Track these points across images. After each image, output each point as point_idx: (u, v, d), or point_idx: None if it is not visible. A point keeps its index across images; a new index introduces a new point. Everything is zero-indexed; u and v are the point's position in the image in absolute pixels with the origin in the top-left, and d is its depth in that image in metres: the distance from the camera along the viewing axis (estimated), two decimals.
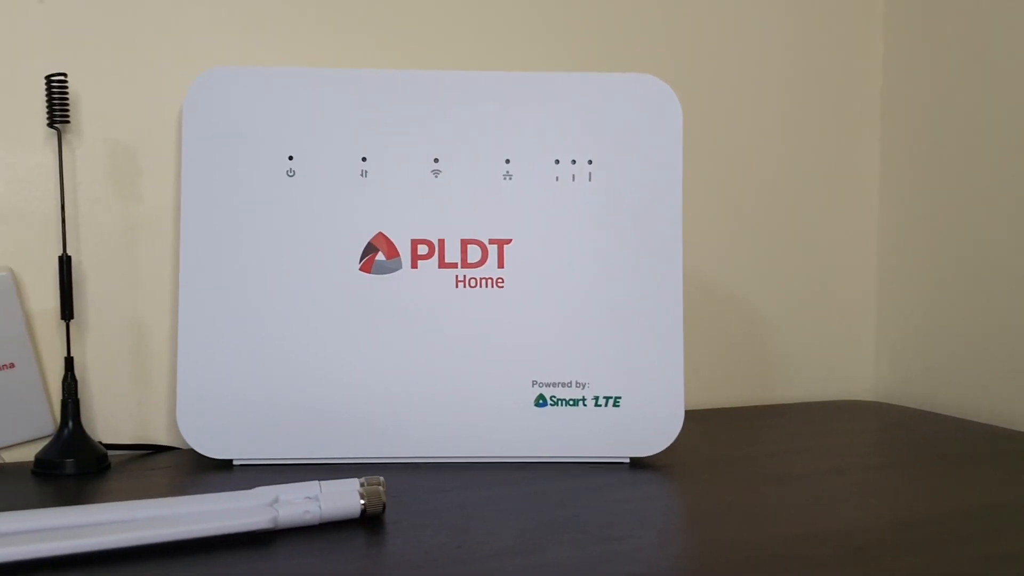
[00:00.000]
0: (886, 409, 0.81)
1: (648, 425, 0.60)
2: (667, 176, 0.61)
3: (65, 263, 0.60)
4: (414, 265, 0.60)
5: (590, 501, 0.52)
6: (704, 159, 0.79)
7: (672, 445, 0.60)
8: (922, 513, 0.50)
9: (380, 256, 0.60)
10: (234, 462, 0.60)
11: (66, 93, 0.59)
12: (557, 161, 0.61)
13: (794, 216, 0.84)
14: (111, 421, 0.65)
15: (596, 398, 0.60)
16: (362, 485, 0.47)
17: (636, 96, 0.62)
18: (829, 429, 0.73)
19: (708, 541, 0.47)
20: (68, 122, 0.60)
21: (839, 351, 0.87)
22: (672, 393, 0.60)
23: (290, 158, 0.60)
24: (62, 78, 0.59)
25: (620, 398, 0.60)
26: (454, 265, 0.60)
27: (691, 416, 0.61)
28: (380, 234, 0.60)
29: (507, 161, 0.61)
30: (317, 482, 0.47)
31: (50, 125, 0.60)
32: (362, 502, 0.47)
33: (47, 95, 0.59)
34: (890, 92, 0.85)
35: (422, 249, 0.60)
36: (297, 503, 0.46)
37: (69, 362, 0.60)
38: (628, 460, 0.60)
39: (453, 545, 0.44)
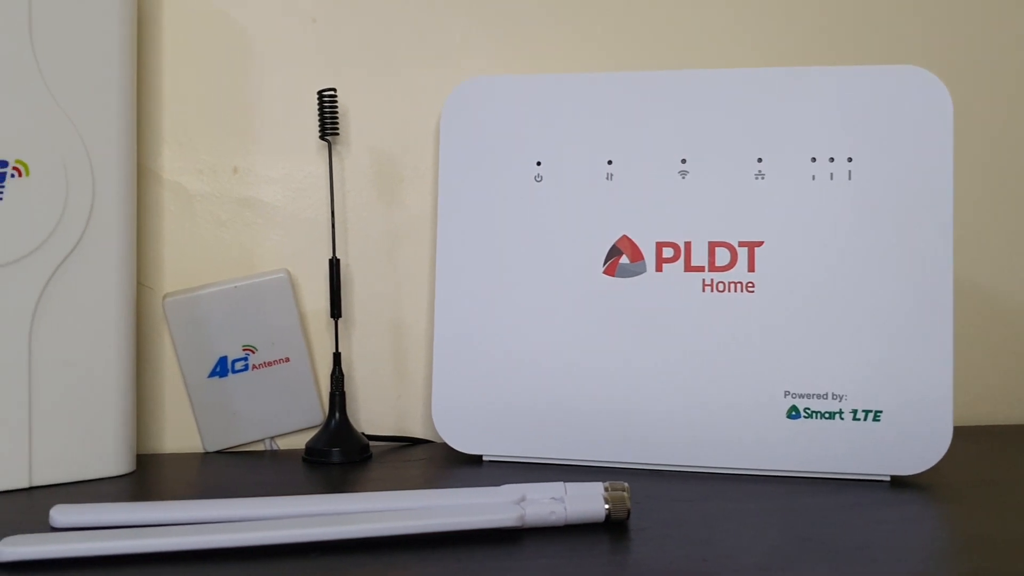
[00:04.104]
0: None
1: (912, 442, 0.56)
2: (936, 175, 0.57)
3: (335, 266, 0.64)
4: (659, 268, 0.60)
5: (845, 520, 0.49)
6: (977, 157, 0.73)
7: (938, 464, 0.56)
8: None
9: (624, 259, 0.60)
10: (483, 458, 0.62)
11: (336, 107, 0.64)
12: (813, 159, 0.58)
13: None
14: (372, 413, 0.69)
15: (854, 411, 0.57)
16: (606, 490, 0.47)
17: (901, 89, 0.58)
18: None
19: (978, 571, 0.43)
20: (338, 134, 0.64)
21: None
22: (939, 408, 0.56)
23: (538, 164, 0.61)
24: (332, 92, 0.64)
25: (881, 412, 0.57)
26: (701, 268, 0.59)
27: (960, 433, 0.57)
28: (624, 237, 0.60)
29: (759, 160, 0.59)
30: (563, 483, 0.48)
31: (322, 137, 0.64)
32: (607, 507, 0.47)
33: (319, 109, 0.64)
34: None
35: (667, 252, 0.60)
36: (543, 503, 0.47)
37: (337, 357, 0.64)
38: (888, 478, 0.57)
39: (699, 557, 0.43)
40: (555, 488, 0.48)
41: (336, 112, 0.64)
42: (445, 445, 0.62)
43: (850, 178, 0.58)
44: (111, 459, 0.57)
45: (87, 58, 0.56)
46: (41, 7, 0.54)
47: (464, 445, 0.61)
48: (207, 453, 0.65)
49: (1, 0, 0.53)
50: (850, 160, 0.58)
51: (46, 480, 0.55)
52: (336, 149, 0.67)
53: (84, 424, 0.56)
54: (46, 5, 0.54)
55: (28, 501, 0.52)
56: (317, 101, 0.64)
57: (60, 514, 0.46)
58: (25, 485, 0.54)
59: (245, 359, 0.64)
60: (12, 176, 0.53)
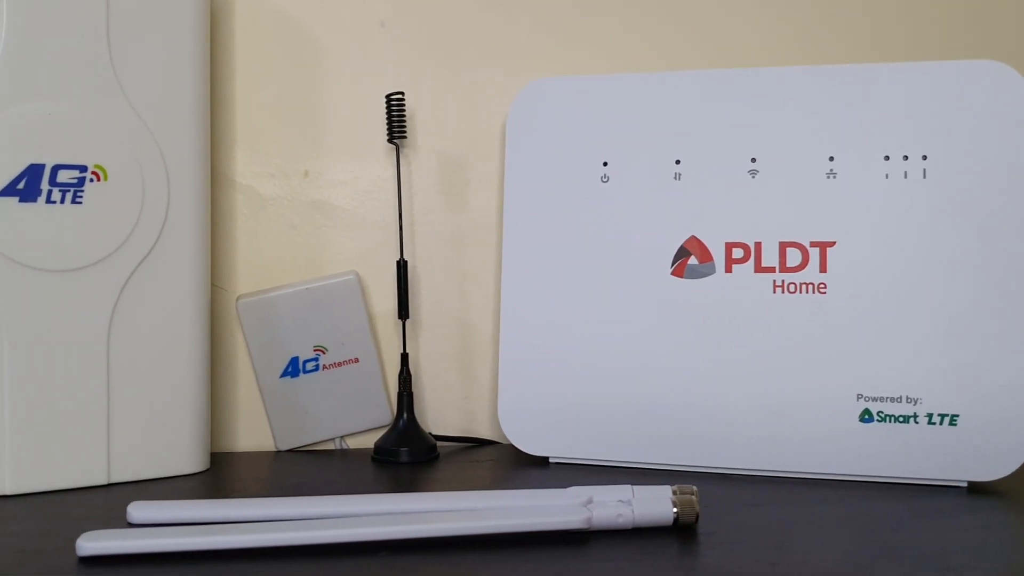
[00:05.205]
0: None
1: (990, 446, 0.54)
2: (1015, 172, 0.55)
3: (402, 267, 0.65)
4: (728, 269, 0.59)
5: (921, 526, 0.48)
6: None
7: (1018, 470, 0.54)
8: None
9: (693, 260, 0.59)
10: (550, 459, 0.61)
11: (404, 110, 0.64)
12: (887, 157, 0.57)
13: None
14: (440, 414, 0.69)
15: (930, 415, 0.55)
16: (675, 493, 0.47)
17: (978, 84, 0.56)
18: None
19: None
20: (405, 137, 0.65)
21: None
22: (1018, 411, 0.54)
23: (605, 164, 0.61)
24: (400, 96, 0.64)
25: (957, 416, 0.55)
26: (772, 269, 0.58)
27: None
28: (693, 237, 0.60)
29: (831, 159, 0.58)
30: (630, 486, 0.48)
31: (390, 140, 0.65)
32: (675, 510, 0.46)
33: (387, 113, 0.64)
34: None
35: (737, 252, 0.59)
36: (610, 505, 0.46)
37: (404, 358, 0.65)
38: (965, 484, 0.55)
39: (769, 562, 0.42)
40: (623, 491, 0.47)
41: (404, 116, 0.64)
42: (511, 446, 0.62)
43: (925, 176, 0.57)
44: (186, 457, 0.59)
45: (163, 65, 0.57)
46: (118, 15, 0.55)
47: (530, 447, 0.61)
48: (279, 452, 0.66)
49: (79, 8, 0.54)
50: (925, 158, 0.57)
51: (124, 477, 0.57)
52: (404, 152, 0.68)
53: (160, 423, 0.58)
54: (122, 13, 0.56)
55: (107, 497, 0.54)
56: (385, 105, 0.64)
57: (137, 510, 0.47)
58: (104, 482, 0.56)
59: (316, 359, 0.65)
60: (91, 180, 0.55)
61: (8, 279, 0.53)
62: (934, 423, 0.55)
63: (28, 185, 0.53)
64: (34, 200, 0.53)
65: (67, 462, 0.55)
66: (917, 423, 0.56)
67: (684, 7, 0.69)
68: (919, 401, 0.56)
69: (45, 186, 0.53)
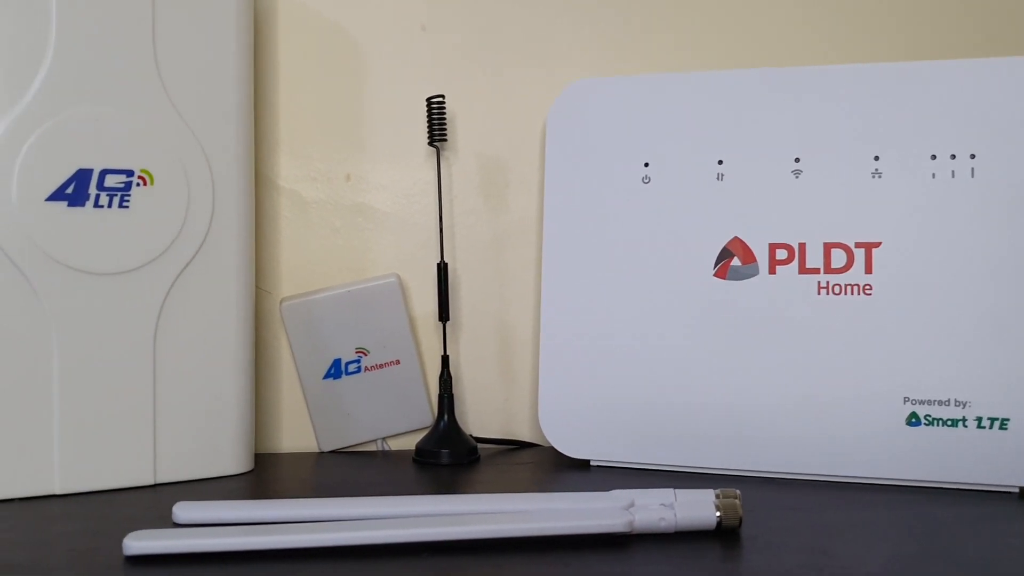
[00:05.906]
0: None
1: None
2: None
3: (443, 270, 0.65)
4: (772, 271, 0.58)
5: (970, 532, 0.47)
6: None
7: None
8: None
9: (735, 261, 0.59)
10: (591, 462, 0.61)
11: (444, 113, 0.64)
12: (933, 156, 0.56)
13: None
14: (480, 416, 0.69)
15: (979, 419, 0.54)
16: (718, 497, 0.46)
17: None
18: None
19: None
20: (446, 140, 0.65)
21: None
22: None
23: (646, 165, 0.61)
24: (441, 99, 0.64)
25: (1008, 420, 0.54)
26: (816, 271, 0.58)
27: None
28: (736, 238, 0.59)
29: (876, 158, 0.57)
30: (672, 490, 0.47)
31: (430, 143, 0.65)
32: (717, 514, 0.46)
33: (428, 116, 0.64)
34: None
35: (781, 253, 0.58)
36: (653, 509, 0.46)
37: (445, 360, 0.65)
38: (1017, 490, 0.54)
39: (814, 567, 0.42)
40: (665, 494, 0.47)
41: (444, 119, 0.64)
42: (552, 449, 0.62)
43: (973, 175, 0.56)
44: (231, 458, 0.59)
45: (207, 71, 0.58)
46: (164, 22, 0.56)
47: (571, 449, 0.61)
48: (322, 453, 0.67)
49: (125, 15, 0.55)
50: (973, 157, 0.56)
51: (169, 478, 0.57)
52: (444, 155, 0.68)
53: (206, 424, 0.58)
54: (168, 20, 0.56)
55: (153, 498, 0.54)
56: (426, 108, 0.65)
57: (182, 511, 0.48)
58: (150, 482, 0.57)
59: (358, 361, 0.66)
60: (138, 185, 0.56)
61: (57, 282, 0.54)
62: (983, 427, 0.54)
63: (76, 190, 0.54)
64: (82, 204, 0.54)
65: (114, 463, 0.56)
66: (966, 427, 0.54)
67: (724, 7, 0.69)
68: (968, 404, 0.54)
69: (93, 190, 0.54)
